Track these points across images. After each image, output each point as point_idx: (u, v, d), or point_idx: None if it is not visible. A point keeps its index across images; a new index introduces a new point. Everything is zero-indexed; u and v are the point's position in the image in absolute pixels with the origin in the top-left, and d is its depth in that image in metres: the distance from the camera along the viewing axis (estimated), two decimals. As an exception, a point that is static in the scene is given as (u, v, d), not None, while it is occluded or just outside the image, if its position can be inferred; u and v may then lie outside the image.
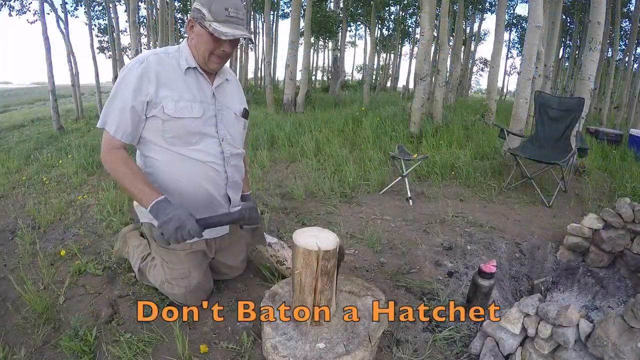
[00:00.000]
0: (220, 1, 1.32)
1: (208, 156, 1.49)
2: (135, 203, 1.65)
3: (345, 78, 22.48)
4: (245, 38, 1.40)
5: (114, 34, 11.72)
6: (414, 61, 18.50)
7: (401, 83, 20.38)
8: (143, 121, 1.40)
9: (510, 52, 23.99)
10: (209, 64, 1.43)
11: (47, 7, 9.21)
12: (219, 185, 1.55)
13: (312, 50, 22.27)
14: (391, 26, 18.26)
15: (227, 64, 1.59)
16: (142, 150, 1.51)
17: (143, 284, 1.76)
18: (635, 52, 13.81)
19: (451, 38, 12.49)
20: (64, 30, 10.40)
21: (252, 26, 17.39)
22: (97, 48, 14.82)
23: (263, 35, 14.37)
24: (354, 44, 29.72)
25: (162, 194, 1.33)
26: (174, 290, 1.57)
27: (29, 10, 11.51)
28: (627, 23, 13.67)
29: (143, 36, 14.52)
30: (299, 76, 9.34)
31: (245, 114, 1.65)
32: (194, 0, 1.42)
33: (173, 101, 1.39)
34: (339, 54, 16.33)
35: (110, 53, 13.15)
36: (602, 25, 3.80)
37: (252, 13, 16.35)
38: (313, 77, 23.36)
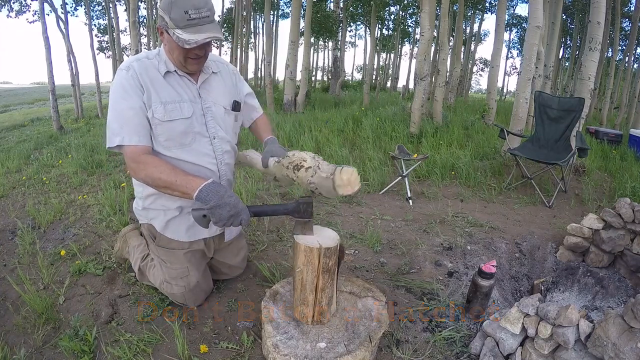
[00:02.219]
0: (179, 5, 1.24)
1: (201, 156, 1.48)
2: (134, 204, 1.65)
3: (345, 78, 22.50)
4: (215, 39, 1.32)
5: (114, 34, 11.73)
6: (414, 61, 18.53)
7: (401, 83, 20.40)
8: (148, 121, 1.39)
9: (510, 52, 24.09)
10: (187, 67, 1.40)
11: (47, 7, 9.21)
12: None
13: (312, 50, 22.28)
14: (391, 26, 18.27)
15: (216, 54, 1.56)
16: None
17: (143, 283, 1.76)
18: (635, 52, 13.83)
19: (451, 38, 12.51)
20: (63, 30, 10.40)
21: (252, 26, 17.40)
22: (97, 48, 14.83)
23: (263, 35, 14.41)
24: (354, 44, 29.77)
25: (208, 179, 1.30)
26: (173, 290, 1.57)
27: (28, 11, 11.50)
28: (627, 23, 13.67)
29: (143, 36, 14.53)
30: (299, 76, 9.35)
31: (236, 107, 1.59)
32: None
33: (161, 104, 1.37)
34: (339, 54, 16.34)
35: (110, 53, 13.16)
36: (602, 25, 3.80)
37: (252, 13, 16.36)
38: (313, 77, 23.37)
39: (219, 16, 16.27)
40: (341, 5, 14.76)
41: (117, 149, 1.35)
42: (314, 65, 24.67)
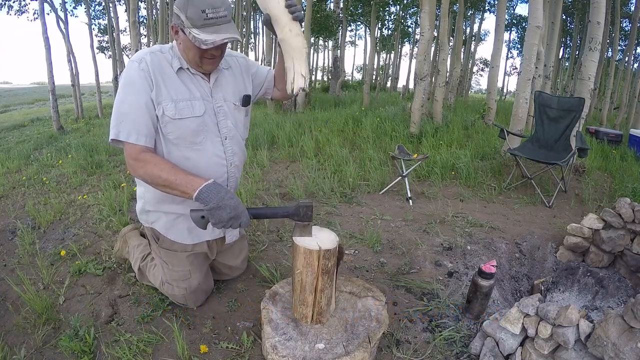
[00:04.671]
0: (196, 3, 1.20)
1: (211, 156, 1.45)
2: (137, 207, 1.63)
3: (345, 78, 22.49)
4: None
5: (114, 34, 11.74)
6: (414, 61, 18.53)
7: (401, 83, 20.39)
8: (155, 120, 1.34)
9: (510, 52, 24.06)
10: (203, 67, 1.36)
11: (47, 7, 9.21)
12: None
13: (312, 50, 22.27)
14: (391, 26, 18.26)
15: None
16: None
17: (143, 284, 1.76)
18: (635, 52, 13.83)
19: (451, 38, 12.50)
20: (63, 30, 10.40)
21: (252, 26, 17.39)
22: (97, 48, 14.85)
23: (263, 36, 14.42)
24: (354, 43, 29.78)
25: (209, 179, 1.28)
26: (174, 292, 1.57)
27: (27, 11, 11.54)
28: (627, 23, 13.67)
29: (143, 36, 14.54)
30: (299, 76, 9.34)
31: (246, 101, 1.55)
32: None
33: (172, 102, 1.33)
34: (339, 53, 16.34)
35: (110, 53, 13.16)
36: (602, 25, 3.80)
37: (253, 13, 16.36)
38: (313, 77, 23.36)
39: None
40: (341, 5, 14.77)
41: (118, 144, 1.32)
42: (314, 65, 24.65)
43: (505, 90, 27.05)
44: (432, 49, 10.60)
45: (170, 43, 1.42)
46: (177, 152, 1.39)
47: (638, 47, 13.99)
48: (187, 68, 1.38)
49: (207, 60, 1.34)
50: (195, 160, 1.41)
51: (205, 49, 1.25)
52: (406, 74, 22.28)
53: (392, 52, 21.65)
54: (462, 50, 14.34)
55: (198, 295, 1.61)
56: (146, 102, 1.30)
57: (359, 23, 19.01)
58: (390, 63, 23.52)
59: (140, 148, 1.31)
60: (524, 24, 18.59)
